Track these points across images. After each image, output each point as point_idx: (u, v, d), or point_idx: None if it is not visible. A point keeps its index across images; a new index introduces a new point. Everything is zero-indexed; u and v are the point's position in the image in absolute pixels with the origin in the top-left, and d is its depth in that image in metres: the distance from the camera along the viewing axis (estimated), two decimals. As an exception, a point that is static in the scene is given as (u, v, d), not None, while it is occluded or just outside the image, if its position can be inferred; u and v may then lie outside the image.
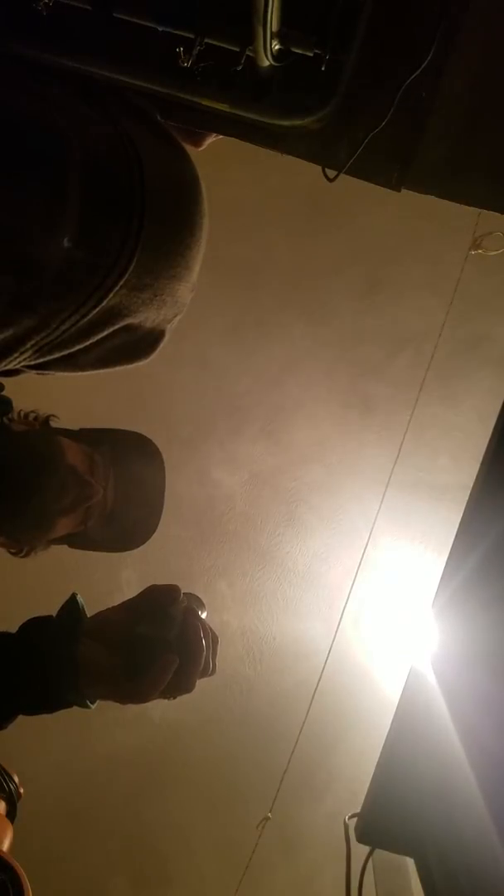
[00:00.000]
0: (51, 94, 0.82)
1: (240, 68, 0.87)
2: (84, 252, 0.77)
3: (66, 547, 1.23)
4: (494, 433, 0.89)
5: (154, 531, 1.24)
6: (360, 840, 0.98)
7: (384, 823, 0.95)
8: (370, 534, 2.52)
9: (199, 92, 0.91)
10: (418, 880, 0.94)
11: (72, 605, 0.80)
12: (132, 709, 0.72)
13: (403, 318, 2.49)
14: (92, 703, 0.77)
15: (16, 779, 0.81)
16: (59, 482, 1.09)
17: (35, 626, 0.79)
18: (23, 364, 0.86)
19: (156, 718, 2.62)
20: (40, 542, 1.17)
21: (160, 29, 0.86)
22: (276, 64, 0.88)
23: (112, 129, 0.82)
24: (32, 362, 0.87)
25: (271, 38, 0.83)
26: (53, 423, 1.22)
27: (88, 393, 2.14)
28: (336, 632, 2.55)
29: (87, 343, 0.85)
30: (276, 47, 0.85)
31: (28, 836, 0.82)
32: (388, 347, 2.52)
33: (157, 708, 2.48)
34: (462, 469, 2.48)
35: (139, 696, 0.74)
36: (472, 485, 0.89)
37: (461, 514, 0.88)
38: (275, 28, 0.82)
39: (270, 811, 2.47)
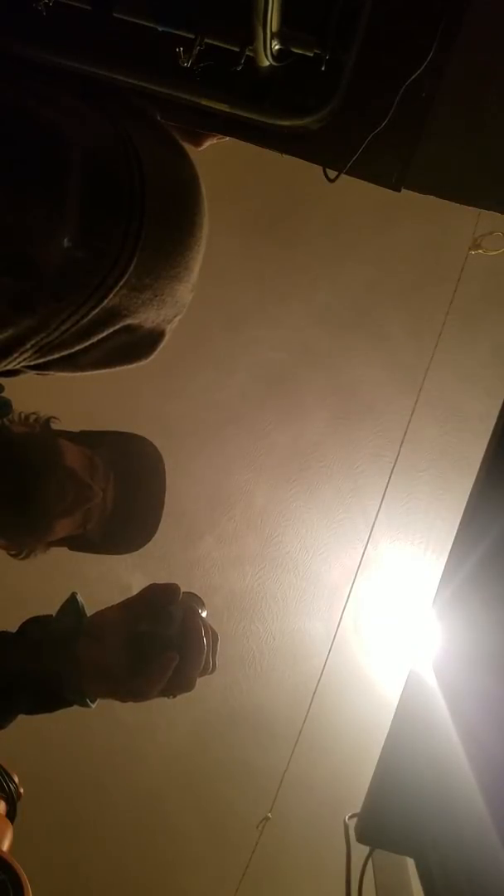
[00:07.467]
0: (51, 93, 0.82)
1: (240, 68, 0.87)
2: (84, 252, 0.77)
3: (65, 549, 1.23)
4: (494, 433, 0.89)
5: (154, 533, 1.24)
6: (360, 840, 0.98)
7: (384, 823, 0.95)
8: (370, 534, 2.51)
9: (199, 92, 0.91)
10: (418, 880, 0.94)
11: (71, 605, 0.80)
12: (132, 708, 0.72)
13: (402, 319, 2.49)
14: (92, 702, 0.77)
15: (16, 779, 0.81)
16: (58, 484, 1.09)
17: (35, 626, 0.79)
18: (23, 364, 0.86)
19: (155, 718, 2.62)
20: (40, 544, 1.17)
21: (160, 29, 0.86)
22: (276, 64, 0.88)
23: (112, 129, 0.82)
24: (32, 363, 0.86)
25: (271, 38, 0.83)
26: (54, 425, 1.22)
27: (89, 394, 2.14)
28: (336, 632, 2.54)
29: (87, 343, 0.85)
30: (276, 47, 0.85)
31: (28, 836, 0.82)
32: (389, 348, 2.52)
33: (157, 707, 2.48)
34: (462, 468, 2.48)
35: (139, 695, 0.74)
36: (471, 485, 0.89)
37: (461, 514, 0.88)
38: (275, 28, 0.82)
39: (270, 811, 2.47)
